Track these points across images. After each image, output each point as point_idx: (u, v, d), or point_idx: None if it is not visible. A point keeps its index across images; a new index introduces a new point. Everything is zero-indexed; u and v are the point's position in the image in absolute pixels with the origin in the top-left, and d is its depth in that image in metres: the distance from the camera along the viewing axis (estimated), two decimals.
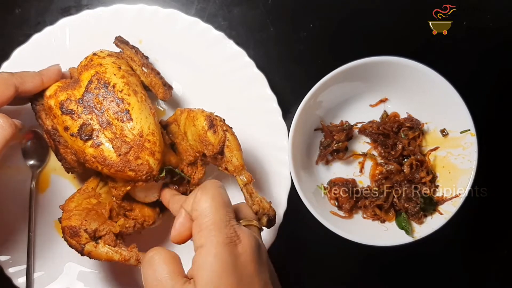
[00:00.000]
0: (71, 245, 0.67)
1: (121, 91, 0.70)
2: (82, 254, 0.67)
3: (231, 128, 0.72)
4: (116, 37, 0.80)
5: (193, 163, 0.76)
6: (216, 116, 0.72)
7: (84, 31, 0.84)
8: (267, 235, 0.82)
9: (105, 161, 0.68)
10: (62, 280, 0.82)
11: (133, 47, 0.81)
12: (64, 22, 0.83)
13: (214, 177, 0.84)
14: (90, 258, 0.67)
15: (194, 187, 0.76)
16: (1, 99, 0.67)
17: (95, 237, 0.67)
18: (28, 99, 0.74)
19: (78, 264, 0.82)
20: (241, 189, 0.69)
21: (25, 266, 0.80)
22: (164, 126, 0.78)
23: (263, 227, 0.65)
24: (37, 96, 0.74)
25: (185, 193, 0.76)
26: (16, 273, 0.80)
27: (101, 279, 0.83)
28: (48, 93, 0.72)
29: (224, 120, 0.72)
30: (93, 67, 0.72)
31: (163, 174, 0.70)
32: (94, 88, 0.70)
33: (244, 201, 0.67)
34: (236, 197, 0.68)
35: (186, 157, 0.76)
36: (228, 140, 0.70)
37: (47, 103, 0.71)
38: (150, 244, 0.74)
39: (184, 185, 0.77)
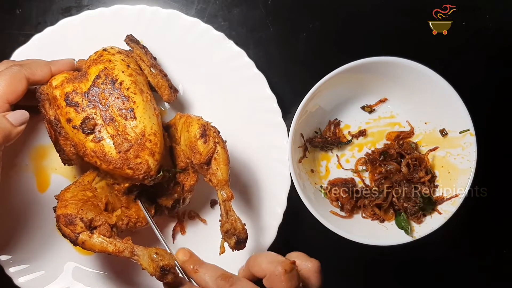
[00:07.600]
0: (64, 234, 0.66)
1: (127, 89, 0.70)
2: (75, 244, 0.65)
3: (225, 142, 0.71)
4: (127, 35, 0.80)
5: (184, 169, 0.76)
6: (212, 126, 0.71)
7: (85, 31, 0.84)
8: (266, 235, 0.82)
9: (105, 157, 0.68)
10: (62, 279, 0.82)
11: (143, 47, 0.81)
12: (65, 23, 0.83)
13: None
14: (83, 248, 0.65)
15: (187, 194, 0.76)
16: (16, 94, 0.68)
17: (90, 227, 0.65)
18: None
19: (78, 263, 0.83)
20: (219, 204, 0.68)
21: (25, 266, 0.80)
22: (165, 128, 0.78)
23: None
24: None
25: (178, 200, 0.76)
26: (17, 272, 0.80)
27: (102, 278, 0.83)
28: (54, 83, 0.71)
29: (219, 132, 0.71)
30: (102, 63, 0.72)
31: (161, 174, 0.70)
32: (101, 83, 0.70)
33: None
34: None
35: (178, 162, 0.76)
36: (217, 152, 0.68)
37: (52, 93, 0.71)
38: (143, 240, 0.74)
39: (178, 192, 0.76)
